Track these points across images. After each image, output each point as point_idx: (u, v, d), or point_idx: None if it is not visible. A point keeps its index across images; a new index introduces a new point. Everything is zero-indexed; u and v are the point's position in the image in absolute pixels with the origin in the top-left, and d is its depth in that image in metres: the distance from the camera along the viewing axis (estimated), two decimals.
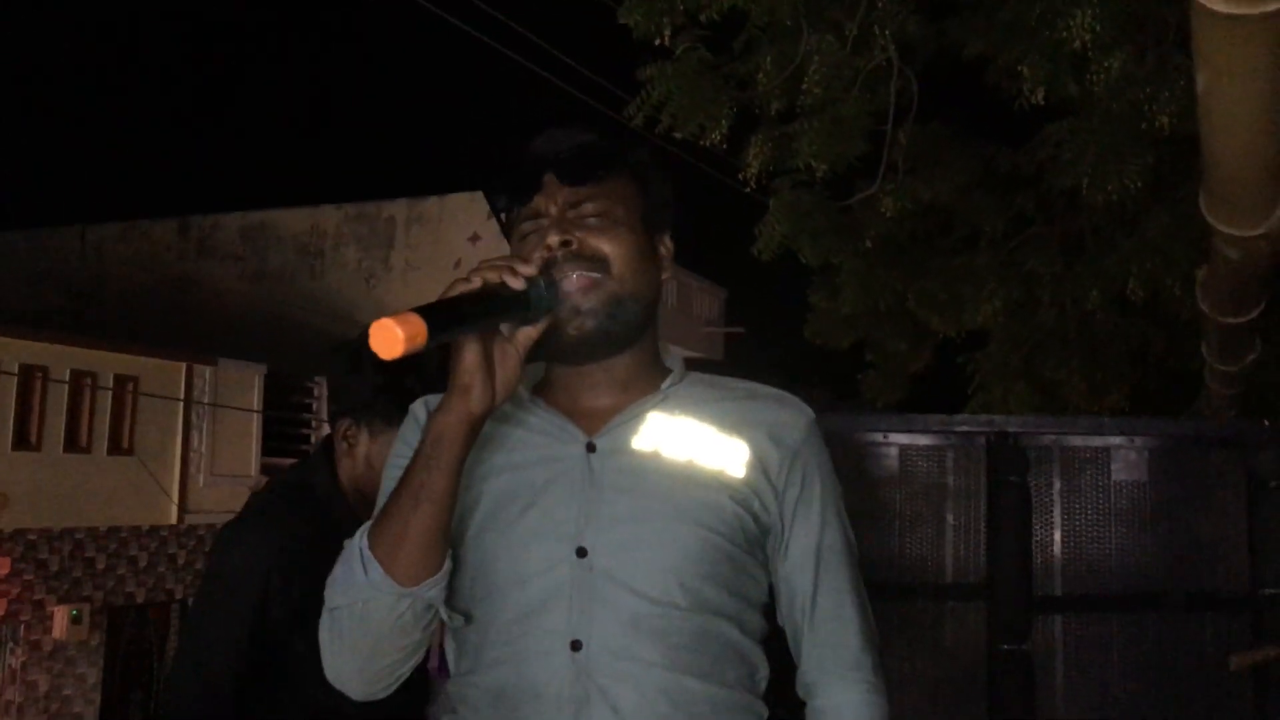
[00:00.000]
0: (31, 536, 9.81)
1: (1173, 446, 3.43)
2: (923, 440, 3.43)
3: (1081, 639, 3.53)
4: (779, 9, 5.00)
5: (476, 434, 1.29)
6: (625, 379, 1.43)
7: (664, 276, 1.47)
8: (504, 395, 1.29)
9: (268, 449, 12.04)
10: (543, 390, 1.45)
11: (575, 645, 1.31)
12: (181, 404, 10.92)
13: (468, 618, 1.36)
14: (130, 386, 10.46)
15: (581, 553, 1.33)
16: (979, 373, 8.62)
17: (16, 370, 9.53)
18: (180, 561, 11.25)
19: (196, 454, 11.14)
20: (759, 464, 1.41)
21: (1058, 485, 3.43)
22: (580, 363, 1.41)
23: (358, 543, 1.29)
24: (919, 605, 3.52)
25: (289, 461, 12.45)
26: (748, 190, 5.84)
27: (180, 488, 10.97)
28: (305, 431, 12.77)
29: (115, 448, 10.43)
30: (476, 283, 1.24)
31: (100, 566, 10.43)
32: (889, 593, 3.41)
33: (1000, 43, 5.41)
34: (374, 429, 2.10)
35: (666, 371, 1.47)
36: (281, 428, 12.40)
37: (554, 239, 1.36)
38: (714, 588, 1.36)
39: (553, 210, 1.39)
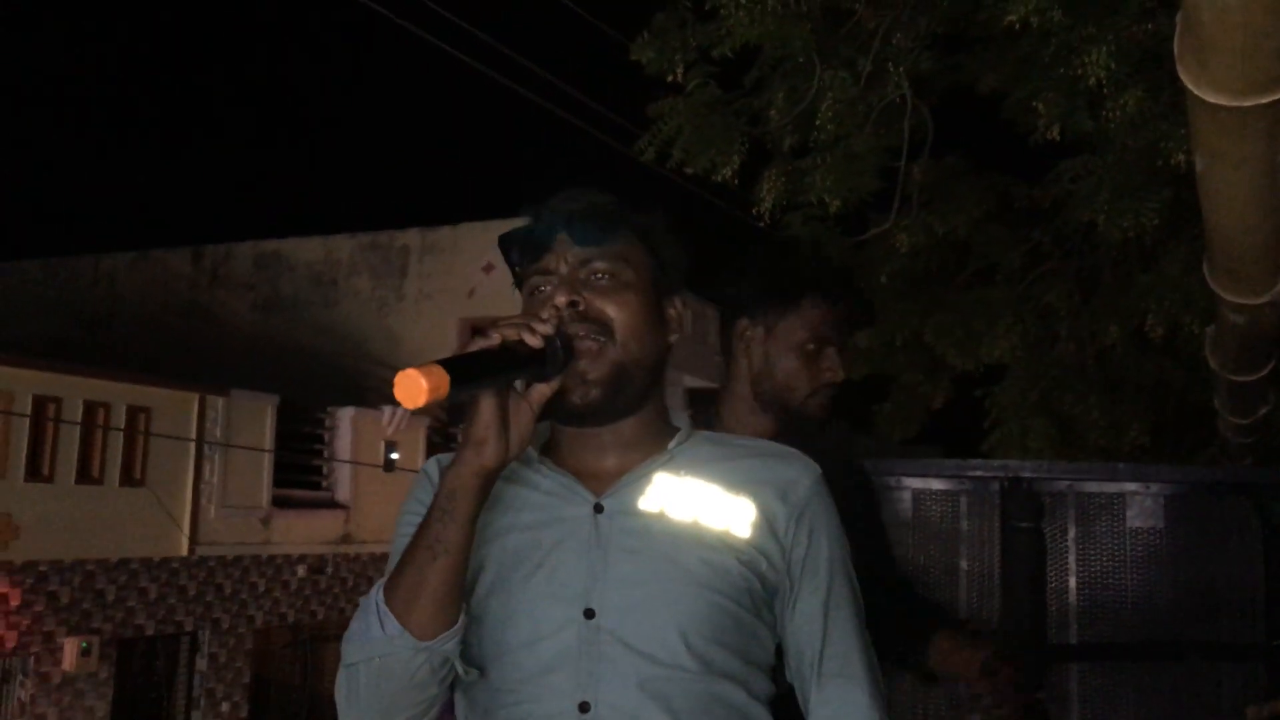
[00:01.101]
0: (42, 568, 9.79)
1: (1188, 493, 3.39)
2: (936, 484, 3.40)
3: (1097, 688, 3.48)
4: (791, 45, 4.98)
5: (490, 488, 1.31)
6: (631, 440, 1.45)
7: (672, 339, 1.49)
8: (518, 450, 1.31)
9: (279, 480, 12.03)
10: (550, 450, 1.47)
11: (583, 707, 1.33)
12: (195, 434, 10.92)
13: (482, 672, 1.37)
14: (143, 417, 10.47)
15: (589, 614, 1.35)
16: (996, 408, 8.57)
17: (30, 402, 9.55)
18: (190, 593, 11.22)
19: (208, 485, 11.12)
20: (765, 523, 1.42)
21: (1072, 532, 3.39)
22: (586, 426, 1.43)
23: (374, 597, 1.31)
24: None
25: (301, 493, 12.48)
26: (761, 225, 5.81)
27: (191, 519, 10.95)
28: (317, 463, 12.76)
29: (127, 479, 10.42)
30: (496, 339, 1.28)
31: (110, 598, 10.40)
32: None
33: (1015, 78, 5.39)
34: (769, 323, 2.11)
35: (673, 431, 1.49)
36: (294, 459, 12.39)
37: (561, 300, 1.39)
38: (721, 651, 1.37)
39: (563, 269, 1.42)
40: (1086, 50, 4.50)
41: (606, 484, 1.41)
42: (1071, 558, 3.41)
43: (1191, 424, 8.12)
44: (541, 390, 1.32)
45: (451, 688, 1.39)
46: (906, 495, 3.40)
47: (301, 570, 12.34)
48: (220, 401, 11.25)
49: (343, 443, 12.76)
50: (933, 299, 7.28)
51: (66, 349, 14.15)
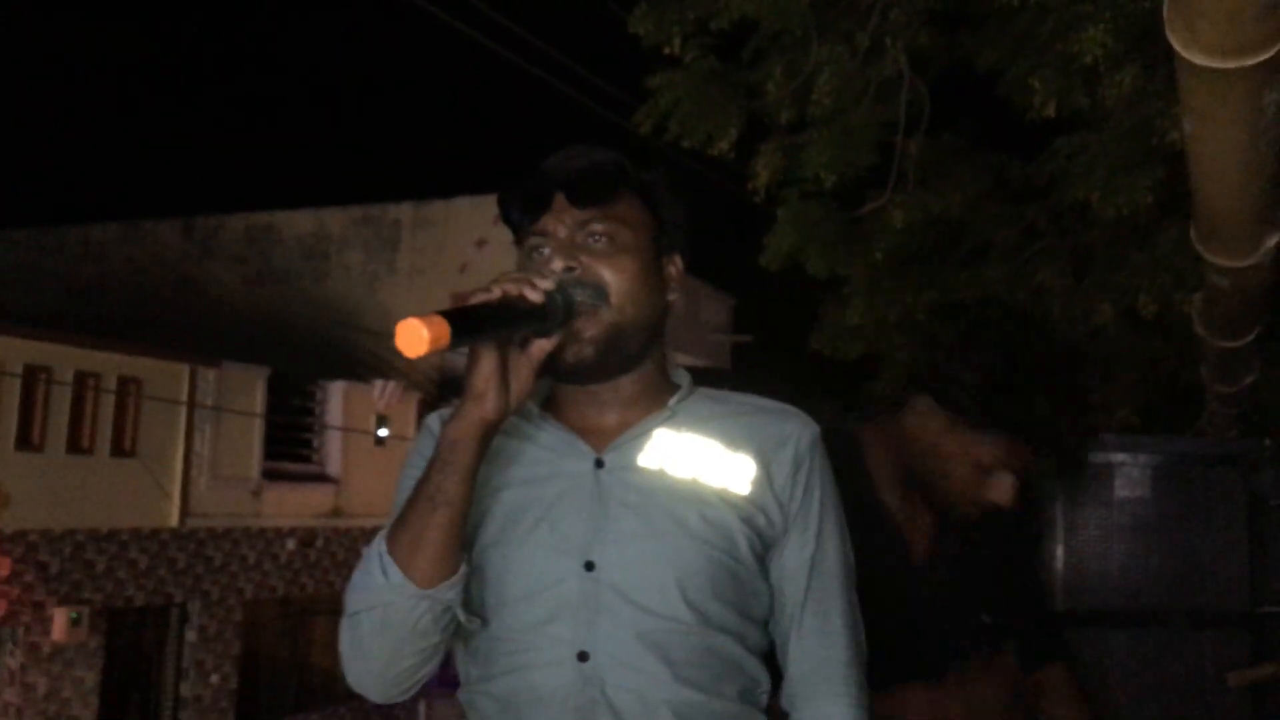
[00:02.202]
0: (32, 538, 9.80)
1: (1175, 464, 3.44)
2: None
3: (1082, 655, 3.52)
4: (790, 18, 4.98)
5: (489, 441, 1.33)
6: (631, 397, 1.47)
7: (671, 298, 1.50)
8: (517, 404, 1.34)
9: (270, 453, 12.03)
10: (550, 406, 1.49)
11: (582, 656, 1.36)
12: (184, 406, 10.91)
13: (483, 621, 1.40)
14: (133, 388, 10.46)
15: (590, 567, 1.37)
16: None
17: (21, 371, 9.53)
18: (180, 565, 11.23)
19: (198, 457, 11.12)
20: (764, 479, 1.44)
21: (1060, 501, 3.43)
22: (582, 383, 1.45)
23: (376, 547, 1.34)
24: None
25: (291, 466, 12.49)
26: (756, 200, 5.82)
27: (182, 490, 10.96)
28: (307, 435, 12.76)
29: (118, 449, 10.42)
30: (497, 293, 1.29)
31: (100, 569, 10.41)
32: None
33: (1012, 55, 5.39)
34: (963, 423, 1.91)
35: (674, 387, 1.50)
36: (284, 431, 12.39)
37: (558, 264, 1.40)
38: (718, 605, 1.40)
39: (561, 231, 1.43)
40: (1083, 27, 4.51)
41: (607, 440, 1.44)
42: (1059, 527, 3.45)
43: (1181, 405, 8.16)
44: (541, 345, 1.34)
45: (452, 638, 1.41)
46: None
47: (291, 543, 12.37)
48: (211, 373, 11.24)
49: (333, 416, 12.77)
50: (927, 276, 7.30)
51: (56, 319, 14.12)
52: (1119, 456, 3.39)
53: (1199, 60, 1.68)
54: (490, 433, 1.33)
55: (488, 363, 1.30)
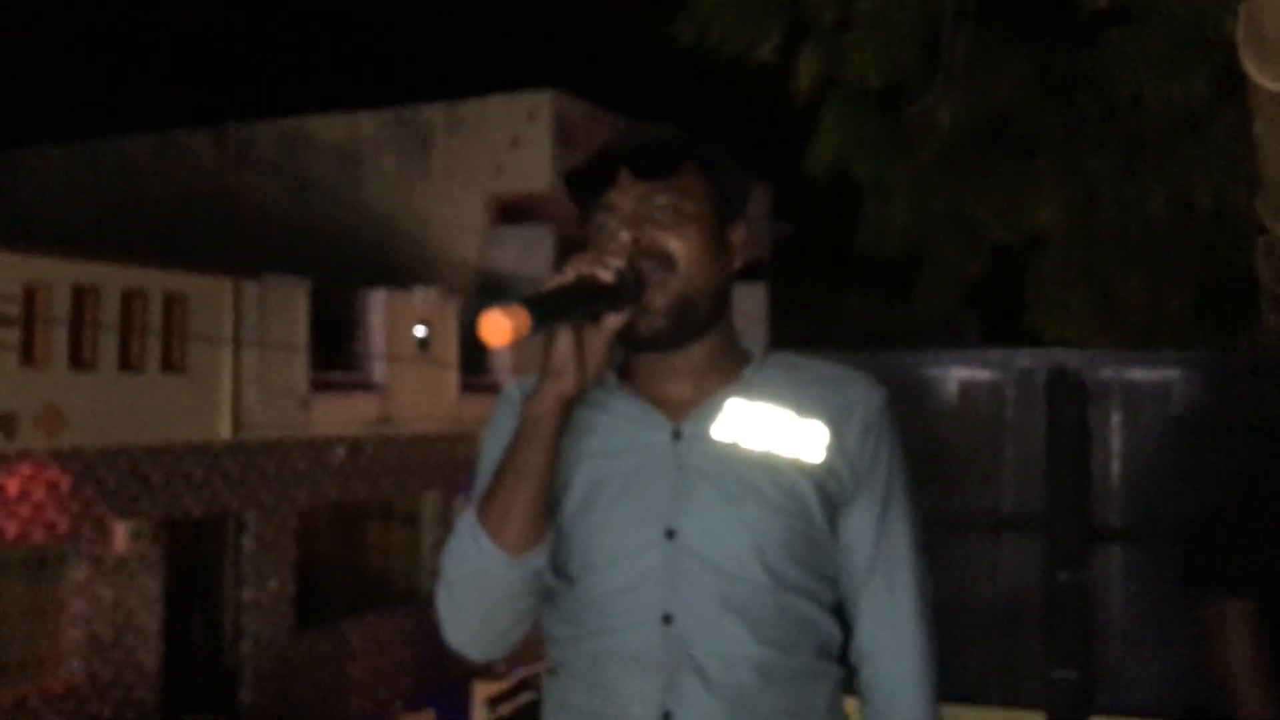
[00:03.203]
0: (90, 455, 10.01)
1: (1232, 378, 3.39)
2: (982, 375, 3.42)
3: (1139, 568, 3.54)
4: None
5: (569, 414, 1.41)
6: (703, 365, 1.53)
7: (735, 266, 1.55)
8: (593, 378, 1.42)
9: (316, 364, 12.16)
10: (625, 374, 1.56)
11: (667, 619, 1.44)
12: (230, 321, 11.02)
13: (570, 583, 1.48)
14: (179, 305, 10.56)
15: (671, 534, 1.45)
16: (1036, 280, 8.49)
17: (69, 292, 9.64)
18: (234, 476, 11.47)
19: (247, 370, 11.26)
20: (836, 444, 1.50)
21: (1117, 418, 3.42)
22: (656, 351, 1.52)
23: (468, 518, 1.42)
24: (976, 536, 3.54)
25: (338, 376, 12.63)
26: (799, 103, 5.70)
27: (232, 404, 11.13)
28: (352, 345, 12.88)
29: (167, 366, 10.57)
30: (571, 276, 1.36)
31: (157, 483, 10.65)
32: (946, 525, 3.42)
33: None
34: None
35: (744, 354, 1.57)
36: (328, 342, 12.50)
37: (625, 236, 1.46)
38: (794, 566, 1.47)
39: (627, 204, 1.48)
40: None
41: (683, 411, 1.50)
42: (1116, 443, 3.44)
43: (1235, 298, 8.03)
44: (614, 321, 1.41)
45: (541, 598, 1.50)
46: (952, 385, 3.43)
47: (341, 451, 12.57)
48: (253, 287, 11.31)
49: (376, 324, 12.85)
50: (973, 168, 7.15)
51: (96, 235, 14.22)
52: (1175, 373, 3.37)
53: (1267, 85, 1.92)
54: (569, 407, 1.40)
55: (564, 341, 1.38)
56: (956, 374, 3.43)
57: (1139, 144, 7.19)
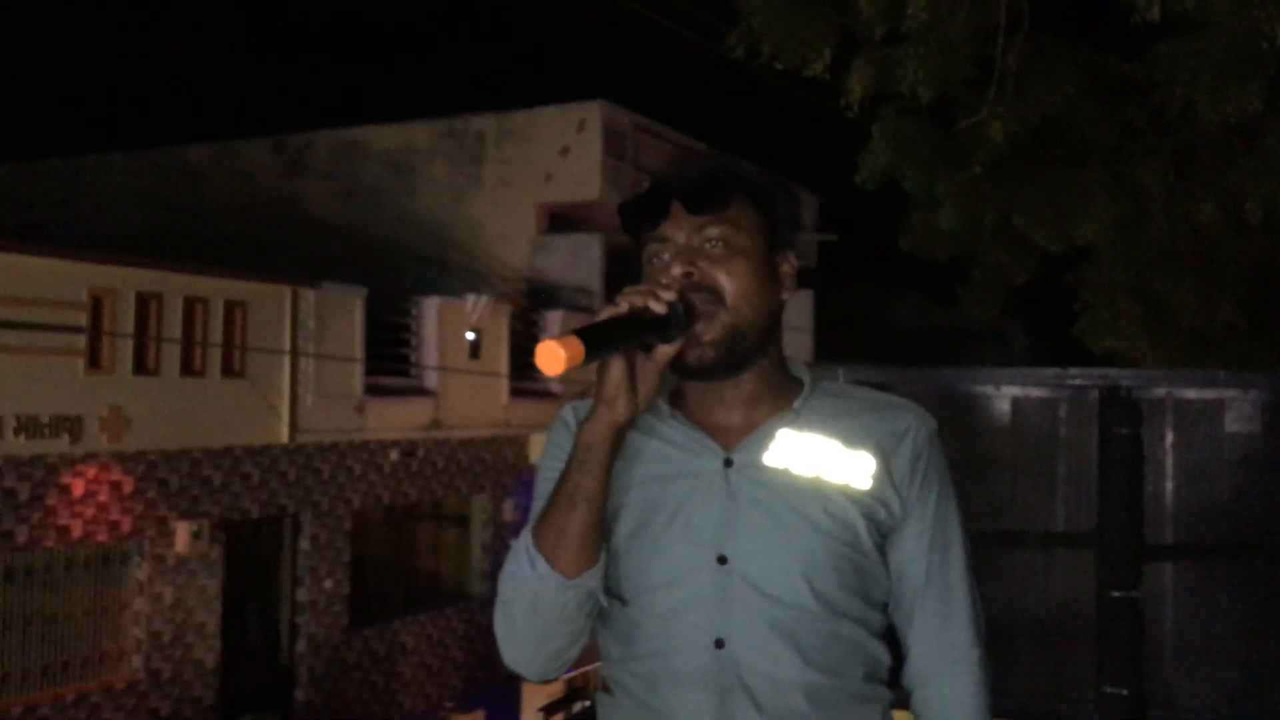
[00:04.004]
0: (152, 457, 10.23)
1: None
2: (1035, 392, 3.44)
3: (1191, 585, 3.54)
4: None
5: (622, 440, 1.45)
6: (754, 394, 1.56)
7: (785, 296, 1.58)
8: (645, 406, 1.46)
9: (371, 369, 12.32)
10: (677, 401, 1.59)
11: (719, 643, 1.47)
12: (289, 327, 11.20)
13: (624, 604, 1.52)
14: (239, 311, 10.76)
15: (722, 560, 1.48)
16: (1086, 290, 8.44)
17: (133, 299, 9.85)
18: (291, 478, 11.66)
19: (304, 376, 11.44)
20: (884, 473, 1.53)
21: (1170, 437, 3.44)
22: (706, 380, 1.55)
23: (524, 541, 1.46)
24: (1028, 553, 3.56)
25: (392, 381, 12.78)
26: (849, 116, 5.74)
27: (290, 408, 11.31)
28: (405, 351, 13.03)
29: (228, 371, 10.76)
30: (624, 307, 1.40)
31: (217, 484, 10.85)
32: (999, 541, 3.45)
33: None
34: None
35: (794, 382, 1.60)
36: (383, 348, 12.66)
37: (677, 269, 1.50)
38: (842, 593, 1.49)
39: (680, 237, 1.52)
40: None
41: (734, 438, 1.53)
42: (1169, 462, 3.45)
43: None
44: (665, 351, 1.45)
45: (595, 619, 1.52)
46: (1006, 403, 3.45)
47: (395, 454, 12.73)
48: (311, 294, 11.49)
49: (429, 331, 12.99)
50: (1022, 178, 7.14)
51: (159, 242, 14.47)
52: (1230, 392, 3.37)
53: None
54: (622, 433, 1.44)
55: (617, 370, 1.42)
56: (1010, 391, 3.46)
57: (1189, 155, 7.16)
